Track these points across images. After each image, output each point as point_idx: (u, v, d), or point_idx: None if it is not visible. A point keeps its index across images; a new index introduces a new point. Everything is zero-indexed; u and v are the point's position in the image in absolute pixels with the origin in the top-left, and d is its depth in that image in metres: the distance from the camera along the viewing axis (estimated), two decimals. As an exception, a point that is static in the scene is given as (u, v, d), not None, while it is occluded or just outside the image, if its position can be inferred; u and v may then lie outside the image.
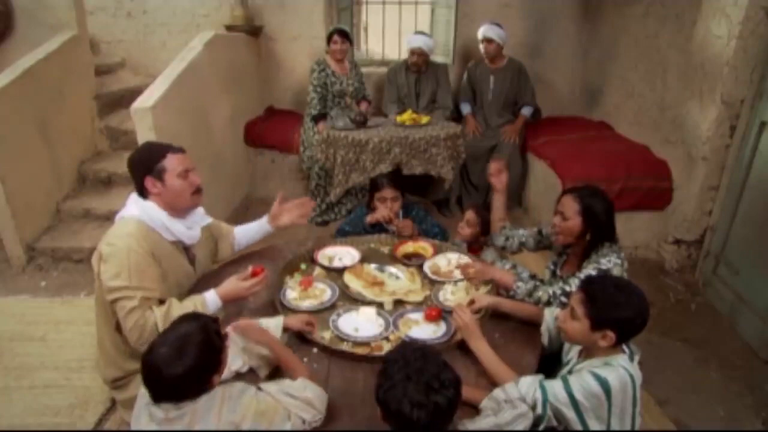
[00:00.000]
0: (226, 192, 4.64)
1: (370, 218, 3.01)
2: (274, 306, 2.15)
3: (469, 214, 3.00)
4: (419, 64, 4.89)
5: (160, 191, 2.06)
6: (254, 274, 2.21)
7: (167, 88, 3.57)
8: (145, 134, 3.33)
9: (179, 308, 1.98)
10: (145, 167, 2.07)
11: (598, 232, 2.20)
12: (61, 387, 2.83)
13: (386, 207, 2.99)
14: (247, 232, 2.62)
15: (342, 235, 2.99)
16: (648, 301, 1.66)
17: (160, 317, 1.94)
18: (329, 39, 4.55)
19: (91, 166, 4.62)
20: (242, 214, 4.86)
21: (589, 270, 2.11)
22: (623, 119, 4.98)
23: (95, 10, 5.39)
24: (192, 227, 2.18)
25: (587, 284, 1.72)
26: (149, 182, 2.05)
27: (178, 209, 2.10)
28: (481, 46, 4.88)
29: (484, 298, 2.15)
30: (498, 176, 2.76)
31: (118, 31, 5.54)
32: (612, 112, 5.20)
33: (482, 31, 4.81)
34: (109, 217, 4.20)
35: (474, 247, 3.00)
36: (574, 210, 2.21)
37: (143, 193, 2.10)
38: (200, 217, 2.28)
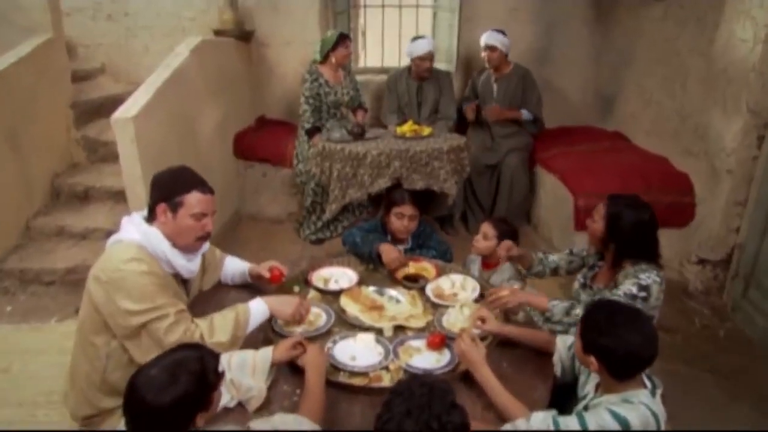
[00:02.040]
0: (215, 207, 4.62)
1: (381, 248, 2.81)
2: (265, 332, 2.13)
3: (486, 227, 2.98)
4: (429, 71, 4.93)
5: (167, 222, 2.05)
6: (273, 277, 2.24)
7: (151, 96, 3.57)
8: (126, 146, 3.33)
9: (221, 318, 2.03)
10: (165, 193, 2.06)
11: (622, 244, 2.24)
12: (25, 424, 2.76)
13: (402, 223, 2.98)
14: (235, 267, 2.59)
15: (347, 243, 2.95)
16: (653, 335, 1.64)
17: (206, 329, 1.97)
18: (335, 45, 4.48)
19: (66, 179, 4.60)
20: (231, 231, 4.87)
21: (629, 286, 2.13)
22: (640, 129, 4.98)
23: (72, 12, 5.40)
24: (191, 260, 2.18)
25: (591, 304, 1.76)
26: (161, 209, 2.05)
27: (176, 245, 2.09)
28: (484, 54, 4.89)
29: (492, 323, 2.13)
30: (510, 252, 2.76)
31: (97, 34, 5.56)
32: (627, 121, 5.21)
33: (484, 39, 4.83)
34: (85, 236, 4.19)
35: (490, 262, 2.99)
36: (601, 214, 2.31)
37: (150, 215, 2.09)
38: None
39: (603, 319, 1.65)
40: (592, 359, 1.65)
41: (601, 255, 2.45)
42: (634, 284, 2.12)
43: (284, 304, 2.16)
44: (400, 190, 3.25)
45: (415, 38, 4.91)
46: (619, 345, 1.60)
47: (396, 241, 3.03)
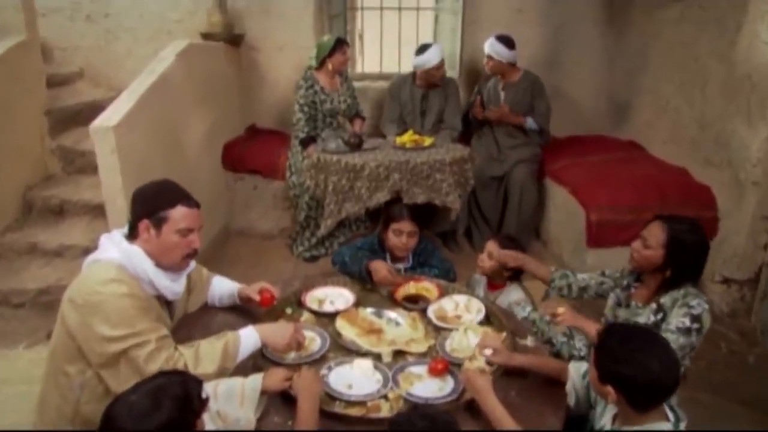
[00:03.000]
0: (203, 222, 4.60)
1: (372, 266, 2.81)
2: (254, 358, 2.11)
3: (491, 246, 2.98)
4: (442, 78, 4.95)
5: (150, 239, 2.04)
6: (264, 301, 2.24)
7: (133, 104, 3.56)
8: (105, 157, 3.32)
9: (208, 346, 2.00)
10: (148, 208, 2.05)
11: (681, 270, 2.22)
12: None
13: (400, 240, 2.98)
14: (222, 288, 2.56)
15: (337, 262, 2.94)
16: (674, 361, 1.63)
17: (190, 358, 1.94)
18: (331, 51, 4.51)
19: (40, 192, 4.55)
20: (219, 248, 4.85)
21: (681, 318, 2.13)
22: (656, 138, 4.98)
23: (48, 12, 5.38)
24: (176, 280, 2.16)
25: (604, 329, 1.75)
26: (143, 226, 2.03)
27: (161, 264, 2.07)
28: (484, 61, 4.91)
29: (501, 353, 2.09)
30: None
31: (75, 36, 5.54)
32: (643, 130, 5.21)
33: (485, 46, 4.84)
34: (59, 253, 4.15)
35: (496, 282, 2.98)
36: (658, 240, 2.24)
37: (131, 233, 2.08)
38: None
39: (618, 345, 1.63)
40: (610, 389, 1.63)
41: (638, 276, 2.44)
42: (686, 315, 2.12)
43: (278, 334, 2.12)
44: (399, 205, 3.25)
45: (422, 48, 4.85)
46: (639, 372, 1.58)
47: (395, 259, 3.03)
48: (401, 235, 2.98)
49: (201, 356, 1.96)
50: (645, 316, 2.25)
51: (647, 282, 2.36)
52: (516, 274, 2.96)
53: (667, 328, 2.14)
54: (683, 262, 2.21)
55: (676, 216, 2.33)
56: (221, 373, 1.97)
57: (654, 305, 2.25)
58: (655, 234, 2.25)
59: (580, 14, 5.59)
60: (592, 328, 2.22)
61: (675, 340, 2.06)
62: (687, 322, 2.11)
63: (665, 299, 2.23)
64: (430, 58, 4.79)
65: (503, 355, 2.07)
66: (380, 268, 2.72)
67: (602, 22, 5.63)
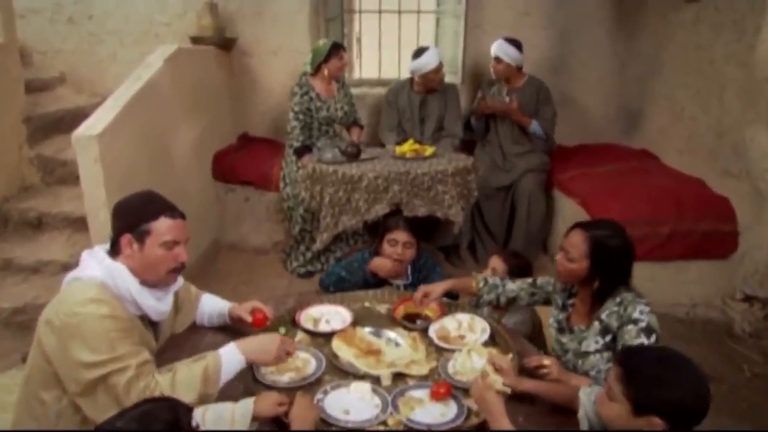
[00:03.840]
0: (190, 234, 4.59)
1: (372, 265, 2.95)
2: (245, 382, 2.10)
3: (495, 261, 2.99)
4: (441, 82, 4.97)
5: (133, 255, 2.02)
6: (256, 321, 2.22)
7: (119, 111, 3.56)
8: (88, 167, 3.31)
9: (186, 371, 1.95)
10: (129, 222, 2.03)
11: (608, 278, 2.23)
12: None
13: (396, 251, 3.00)
14: (212, 307, 2.55)
15: (328, 284, 2.97)
16: (707, 375, 1.60)
17: (166, 386, 1.90)
18: (327, 56, 4.53)
19: (16, 204, 4.50)
20: (208, 264, 4.84)
21: (634, 337, 2.09)
22: (671, 147, 4.98)
23: (27, 14, 5.39)
24: (162, 298, 2.14)
25: (625, 356, 1.69)
26: (125, 240, 2.02)
27: (146, 280, 2.06)
28: (491, 65, 4.93)
29: (509, 375, 2.07)
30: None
31: (56, 39, 5.55)
32: (656, 138, 5.22)
33: (492, 48, 4.86)
34: (37, 270, 4.11)
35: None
36: (581, 251, 2.23)
37: (114, 249, 2.06)
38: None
39: (656, 369, 1.59)
40: (654, 419, 1.57)
41: (570, 292, 2.44)
42: (639, 333, 2.09)
43: (264, 349, 2.09)
44: (396, 216, 3.25)
45: (419, 52, 4.87)
46: (692, 395, 1.55)
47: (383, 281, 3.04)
48: (396, 245, 3.01)
49: (178, 383, 1.91)
50: (592, 339, 2.24)
51: (581, 296, 2.36)
52: None
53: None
54: (610, 270, 2.21)
55: (595, 221, 2.37)
56: (202, 400, 1.92)
57: (597, 324, 2.24)
58: (577, 245, 2.24)
59: (589, 16, 5.61)
60: (582, 380, 2.18)
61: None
62: (644, 340, 2.09)
63: (605, 315, 2.22)
64: (428, 61, 4.80)
65: (511, 379, 2.04)
66: (382, 263, 2.81)
67: (612, 25, 5.65)
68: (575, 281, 2.31)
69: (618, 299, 2.20)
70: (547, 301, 2.62)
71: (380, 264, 2.86)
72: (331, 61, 4.53)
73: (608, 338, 2.21)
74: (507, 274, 2.92)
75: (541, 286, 2.60)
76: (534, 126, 4.90)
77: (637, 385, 1.59)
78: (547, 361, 2.21)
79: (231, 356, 2.03)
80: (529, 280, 2.67)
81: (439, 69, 4.87)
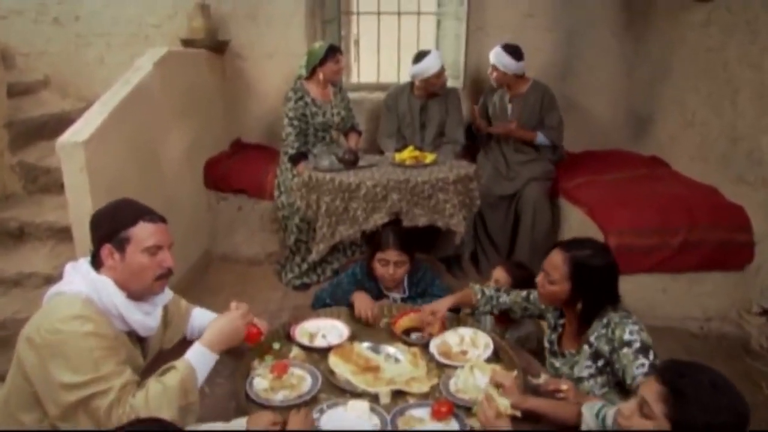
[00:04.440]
0: (180, 247, 4.52)
1: (354, 302, 2.87)
2: (238, 400, 2.09)
3: (498, 273, 3.00)
4: (443, 86, 4.99)
5: (116, 265, 2.01)
6: (250, 336, 2.22)
7: (106, 117, 3.56)
8: (73, 175, 3.30)
9: (160, 387, 1.91)
10: (106, 231, 2.03)
11: (592, 299, 2.25)
12: None
13: (387, 271, 3.02)
14: (203, 321, 2.52)
15: (321, 306, 2.97)
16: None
17: (141, 405, 1.87)
18: (323, 59, 4.52)
19: (-3, 213, 4.49)
20: (199, 276, 4.84)
21: (635, 361, 2.08)
22: (682, 153, 4.98)
23: (9, 14, 5.40)
24: (151, 312, 2.13)
25: (672, 374, 1.64)
26: (106, 251, 2.01)
27: (132, 291, 2.05)
28: (489, 71, 4.95)
29: (514, 393, 2.06)
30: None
31: (40, 41, 5.53)
32: (667, 144, 5.21)
33: (490, 56, 4.88)
34: (18, 282, 4.07)
35: (505, 317, 2.96)
36: (561, 273, 2.26)
37: (96, 262, 2.05)
38: (160, 296, 2.22)
39: (714, 393, 1.56)
40: None
41: (561, 311, 2.46)
42: (636, 354, 2.09)
43: (229, 335, 2.12)
44: (386, 231, 3.26)
45: (420, 56, 4.89)
46: (739, 420, 1.56)
47: (388, 288, 3.07)
48: (387, 265, 3.03)
49: (155, 401, 1.87)
50: (583, 364, 2.26)
51: (568, 318, 2.38)
52: None
53: (634, 375, 2.08)
54: (593, 291, 2.23)
55: (576, 240, 2.36)
56: (184, 413, 1.91)
57: (586, 348, 2.25)
58: (557, 266, 2.26)
59: (595, 18, 5.62)
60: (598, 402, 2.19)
61: None
62: (644, 360, 2.08)
63: (593, 337, 2.23)
64: (429, 65, 4.81)
65: (515, 396, 2.02)
66: (362, 299, 2.79)
67: (619, 27, 5.66)
68: (558, 304, 2.34)
69: (605, 320, 2.21)
70: (541, 316, 2.65)
71: (359, 299, 2.83)
72: (327, 65, 4.52)
73: (600, 363, 2.22)
74: (511, 286, 2.92)
75: (533, 301, 2.63)
76: (540, 138, 4.92)
77: (685, 408, 1.57)
78: (564, 386, 2.20)
79: (201, 357, 2.03)
80: (523, 293, 2.69)
81: (441, 73, 4.89)
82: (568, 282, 2.24)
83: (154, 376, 1.96)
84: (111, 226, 2.03)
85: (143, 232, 2.02)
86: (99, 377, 1.85)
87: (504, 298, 2.71)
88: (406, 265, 3.07)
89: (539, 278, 2.34)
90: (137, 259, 2.01)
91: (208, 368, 2.04)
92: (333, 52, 4.54)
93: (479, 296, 2.74)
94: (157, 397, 1.87)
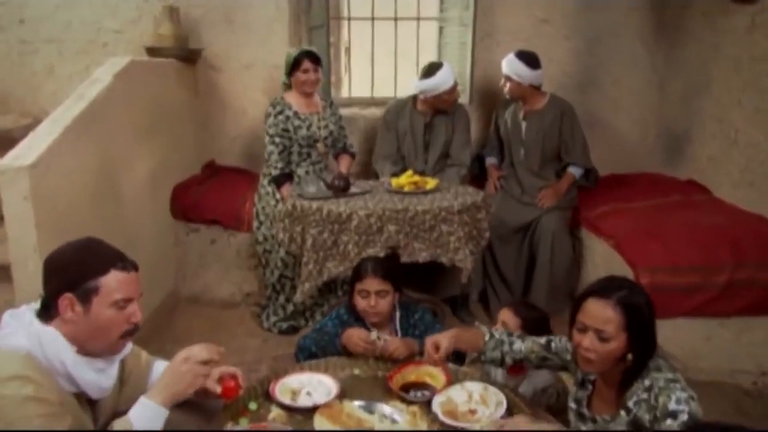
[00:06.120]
0: (142, 287, 4.55)
1: (343, 339, 2.93)
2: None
3: (505, 315, 3.00)
4: (455, 102, 5.04)
5: (76, 319, 1.98)
6: (226, 391, 2.21)
7: (56, 137, 3.53)
8: (15, 205, 3.27)
9: None
10: (70, 279, 1.99)
11: (643, 349, 2.19)
12: None
13: (368, 303, 3.04)
14: None
15: (307, 357, 2.95)
16: None
17: None
18: (293, 66, 4.56)
19: None
20: (164, 321, 4.81)
21: None
22: (724, 178, 4.98)
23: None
24: (105, 369, 2.10)
25: None
26: (65, 302, 1.97)
27: (89, 349, 2.02)
28: (501, 83, 4.98)
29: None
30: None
31: (-25, 47, 5.57)
32: (706, 167, 5.22)
33: (503, 65, 4.92)
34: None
35: (516, 366, 2.89)
36: (615, 325, 2.16)
37: (46, 313, 2.01)
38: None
39: None
40: None
41: None
42: (680, 426, 2.04)
43: (169, 381, 2.07)
44: (366, 260, 3.29)
45: (431, 70, 4.90)
46: None
47: (372, 325, 3.08)
48: (368, 296, 3.05)
49: None
50: None
51: (605, 379, 2.30)
52: None
53: None
54: (645, 339, 2.18)
55: (604, 281, 2.29)
56: None
57: (623, 414, 2.19)
58: (608, 318, 2.17)
59: (620, 24, 5.68)
60: None
61: None
62: None
63: (632, 402, 2.17)
64: (443, 80, 4.84)
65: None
66: (351, 334, 2.82)
67: (648, 33, 5.72)
68: (611, 365, 2.22)
69: (647, 382, 2.15)
70: (563, 368, 2.60)
71: (348, 336, 2.84)
72: (296, 74, 4.56)
73: None
74: (522, 329, 2.90)
75: (557, 351, 2.56)
76: (574, 170, 4.96)
77: None
78: None
79: (143, 411, 2.00)
80: (542, 340, 2.62)
81: (454, 89, 4.93)
82: (624, 333, 2.16)
83: None
84: (77, 274, 1.99)
85: (113, 283, 2.00)
86: None
87: (518, 345, 2.63)
88: (389, 296, 3.07)
89: (585, 341, 2.21)
90: (104, 313, 1.98)
91: (154, 425, 2.00)
92: (300, 59, 4.54)
93: (486, 338, 2.66)
94: None
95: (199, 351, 2.13)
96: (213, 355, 2.13)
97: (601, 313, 2.17)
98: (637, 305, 2.16)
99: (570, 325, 2.28)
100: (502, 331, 2.72)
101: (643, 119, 5.83)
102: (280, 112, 4.56)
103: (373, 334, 2.83)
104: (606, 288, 2.23)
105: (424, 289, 4.97)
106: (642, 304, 2.17)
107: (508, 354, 2.63)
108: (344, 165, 4.86)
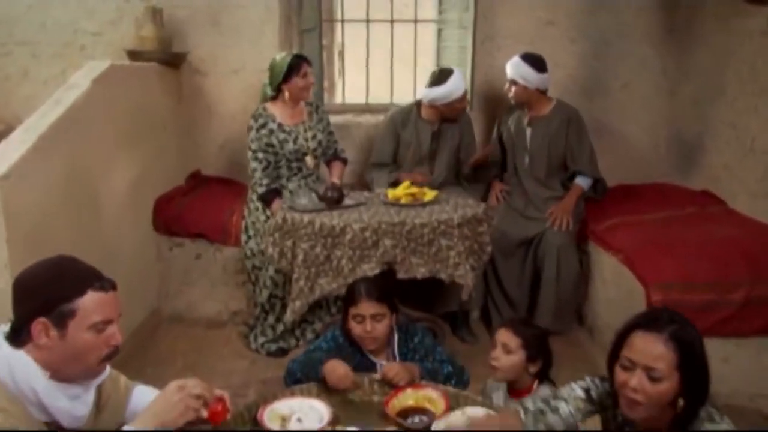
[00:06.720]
0: (121, 306, 4.52)
1: (327, 372, 2.81)
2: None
3: (503, 336, 2.93)
4: (464, 110, 5.08)
5: (52, 344, 1.94)
6: (213, 416, 2.14)
7: (30, 146, 3.51)
8: (-14, 219, 3.27)
9: None
10: (43, 302, 1.95)
11: (697, 391, 2.04)
12: None
13: (364, 329, 3.01)
14: (147, 400, 2.44)
15: (294, 382, 2.91)
16: None
17: None
18: (290, 72, 4.54)
19: None
20: (146, 342, 4.79)
21: None
22: (740, 188, 4.98)
23: None
24: (79, 396, 2.07)
25: None
26: (38, 327, 1.93)
27: (65, 375, 1.99)
28: (506, 87, 5.00)
29: None
30: None
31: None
32: (721, 176, 5.22)
33: (507, 68, 4.93)
34: None
35: (519, 387, 2.93)
36: (668, 362, 2.01)
37: (17, 338, 1.98)
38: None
39: None
40: None
41: None
42: None
43: (157, 411, 2.03)
44: (359, 282, 3.26)
45: (442, 77, 4.93)
46: None
47: (369, 352, 3.06)
48: (364, 321, 3.01)
49: None
50: None
51: (648, 428, 2.16)
52: (544, 372, 2.90)
53: None
54: (698, 379, 2.03)
55: (648, 313, 2.21)
56: None
57: None
58: (659, 354, 2.01)
59: (629, 26, 5.70)
60: None
61: None
62: None
63: None
64: (455, 87, 4.88)
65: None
66: (334, 368, 2.72)
67: (659, 38, 5.73)
68: (659, 412, 2.07)
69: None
70: (595, 413, 2.45)
71: (331, 369, 2.75)
72: (293, 80, 4.55)
73: None
74: (523, 349, 2.85)
75: (599, 400, 2.39)
76: (581, 181, 4.97)
77: None
78: None
79: None
80: (580, 392, 2.43)
81: (464, 96, 4.95)
82: (676, 374, 2.00)
83: None
84: (50, 296, 1.96)
85: (91, 304, 1.97)
86: None
87: (563, 407, 2.40)
88: (386, 319, 3.04)
89: (631, 381, 2.04)
90: (81, 337, 1.95)
91: None
92: (298, 63, 4.55)
93: (522, 416, 2.40)
94: None
95: (193, 384, 2.10)
96: (206, 393, 2.10)
97: (651, 348, 2.01)
98: (691, 341, 2.02)
99: (609, 364, 2.14)
100: (535, 400, 2.49)
101: (654, 126, 5.85)
102: (263, 126, 4.56)
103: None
104: (655, 320, 2.07)
105: (422, 305, 4.94)
106: (695, 340, 2.03)
107: (558, 424, 2.39)
108: (336, 173, 4.86)
